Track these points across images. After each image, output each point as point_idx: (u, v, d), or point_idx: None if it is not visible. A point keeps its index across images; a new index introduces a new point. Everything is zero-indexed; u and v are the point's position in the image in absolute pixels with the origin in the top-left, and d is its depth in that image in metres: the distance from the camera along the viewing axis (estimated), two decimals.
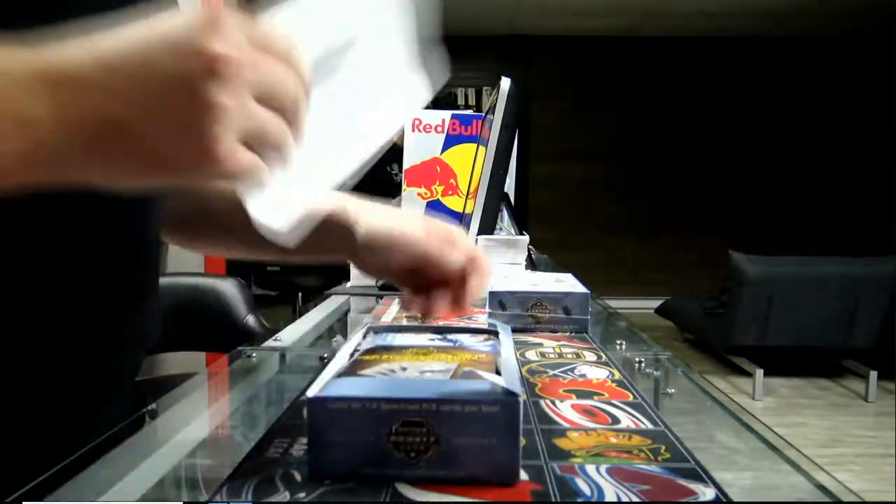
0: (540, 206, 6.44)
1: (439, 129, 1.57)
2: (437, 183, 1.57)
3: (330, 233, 0.62)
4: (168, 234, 0.71)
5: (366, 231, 0.59)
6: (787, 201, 6.50)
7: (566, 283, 0.82)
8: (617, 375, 0.56)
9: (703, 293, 5.06)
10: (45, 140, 0.32)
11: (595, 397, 0.50)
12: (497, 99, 1.07)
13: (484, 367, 0.41)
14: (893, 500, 2.04)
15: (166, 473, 0.45)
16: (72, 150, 0.33)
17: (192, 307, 1.53)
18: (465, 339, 0.51)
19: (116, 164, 0.34)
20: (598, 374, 0.57)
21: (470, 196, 1.22)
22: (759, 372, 3.79)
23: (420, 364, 0.42)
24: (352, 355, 0.46)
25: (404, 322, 0.65)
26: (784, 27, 6.09)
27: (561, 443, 0.41)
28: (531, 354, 0.64)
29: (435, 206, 1.58)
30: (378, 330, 0.53)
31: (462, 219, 1.37)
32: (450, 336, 0.52)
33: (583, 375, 0.56)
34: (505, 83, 1.06)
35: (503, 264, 1.02)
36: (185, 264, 2.02)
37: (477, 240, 1.04)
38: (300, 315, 0.97)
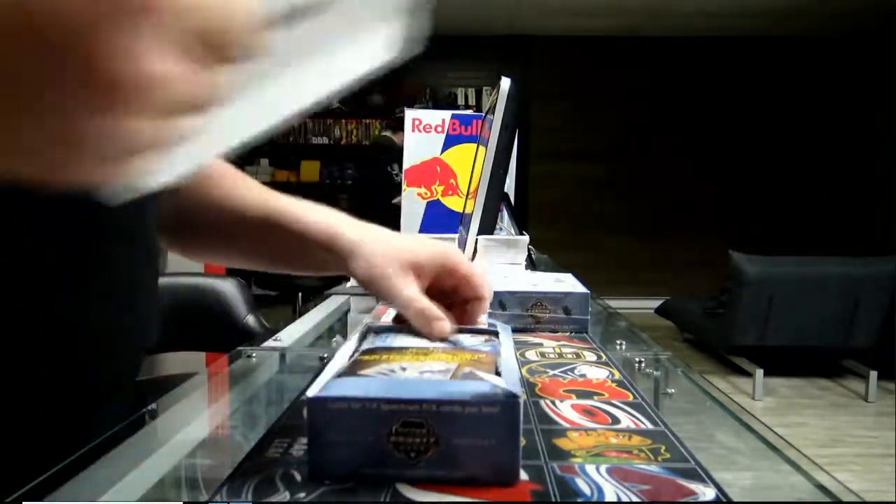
0: (540, 206, 6.44)
1: (439, 129, 1.57)
2: (437, 183, 1.57)
3: (325, 260, 0.62)
4: (166, 242, 0.71)
5: (358, 267, 0.57)
6: (787, 201, 6.50)
7: (566, 283, 0.82)
8: (617, 375, 0.56)
9: (703, 293, 5.06)
10: None
11: (595, 397, 0.50)
12: (497, 99, 1.07)
13: (484, 368, 0.41)
14: (893, 500, 2.04)
15: (166, 473, 0.45)
16: None
17: (192, 307, 1.53)
18: (465, 339, 0.51)
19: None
20: (598, 374, 0.57)
21: (470, 196, 1.22)
22: (759, 372, 3.79)
23: (420, 364, 0.42)
24: (352, 355, 0.46)
25: None
26: (784, 27, 6.09)
27: (561, 443, 0.41)
28: (531, 354, 0.64)
29: (435, 206, 1.58)
30: (378, 330, 0.53)
31: (462, 219, 1.37)
32: (450, 336, 0.51)
33: (583, 375, 0.56)
34: (505, 83, 1.06)
35: (503, 264, 1.02)
36: (185, 264, 2.01)
37: (477, 240, 1.04)
38: (300, 315, 0.97)
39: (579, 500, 0.34)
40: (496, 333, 0.52)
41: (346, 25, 0.38)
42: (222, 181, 0.69)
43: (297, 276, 4.06)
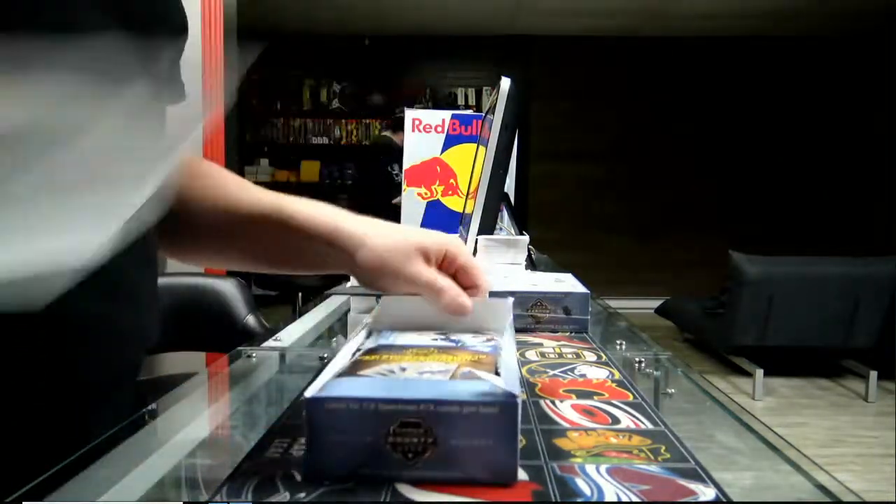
0: (540, 206, 6.44)
1: (439, 129, 1.57)
2: (437, 183, 1.57)
3: (326, 255, 0.62)
4: (166, 249, 0.71)
5: (364, 263, 0.58)
6: (786, 201, 6.50)
7: (566, 283, 0.81)
8: (617, 375, 0.56)
9: (703, 293, 5.06)
10: None
11: (595, 397, 0.50)
12: (497, 99, 1.07)
13: (484, 368, 0.41)
14: (893, 500, 2.04)
15: (166, 473, 0.45)
16: None
17: (192, 307, 1.53)
18: (467, 338, 0.51)
19: None
20: (598, 374, 0.57)
21: (470, 196, 1.22)
22: (759, 372, 3.79)
23: (420, 365, 0.42)
24: (353, 355, 0.46)
25: None
26: (784, 27, 6.09)
27: (561, 443, 0.41)
28: (531, 354, 0.64)
29: (435, 206, 1.58)
30: (381, 329, 0.53)
31: (462, 219, 1.37)
32: (452, 336, 0.52)
33: (583, 375, 0.56)
34: (505, 83, 1.06)
35: (503, 264, 1.02)
36: (185, 265, 2.01)
37: (477, 240, 1.03)
38: (300, 315, 0.97)
39: (579, 500, 0.34)
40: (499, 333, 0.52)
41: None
42: (217, 182, 0.69)
43: (296, 276, 4.06)
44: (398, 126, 4.26)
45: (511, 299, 0.59)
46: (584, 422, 0.45)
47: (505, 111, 1.05)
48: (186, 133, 0.52)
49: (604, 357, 0.63)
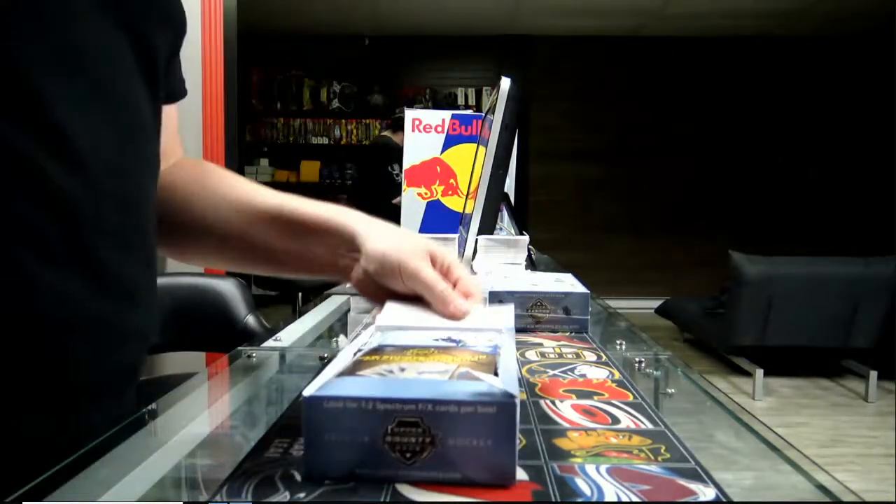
0: (540, 206, 6.44)
1: (439, 129, 1.57)
2: (437, 183, 1.57)
3: (328, 247, 0.62)
4: (166, 248, 0.71)
5: (371, 254, 0.58)
6: (786, 201, 6.50)
7: (566, 283, 0.81)
8: (617, 375, 0.56)
9: (703, 293, 5.06)
10: None
11: (595, 397, 0.50)
12: (497, 99, 1.07)
13: (483, 369, 0.41)
14: (893, 500, 2.04)
15: (166, 473, 0.45)
16: None
17: (192, 307, 1.53)
18: (467, 339, 0.51)
19: None
20: (598, 374, 0.57)
21: (470, 196, 1.22)
22: (759, 372, 3.79)
23: (419, 365, 0.42)
24: (354, 355, 0.46)
25: None
26: (784, 27, 6.09)
27: (561, 443, 0.41)
28: (531, 354, 0.64)
29: (435, 206, 1.58)
30: (384, 329, 0.53)
31: (462, 219, 1.37)
32: (454, 336, 0.52)
33: (583, 375, 0.56)
34: (505, 83, 1.06)
35: (503, 264, 1.02)
36: (184, 264, 2.01)
37: (477, 240, 1.03)
38: (300, 315, 0.97)
39: (579, 500, 0.34)
40: (499, 333, 0.52)
41: None
42: (219, 181, 0.69)
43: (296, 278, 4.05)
44: (398, 126, 4.26)
45: (512, 305, 0.59)
46: (584, 422, 0.45)
47: (505, 111, 1.05)
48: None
49: (604, 357, 0.63)
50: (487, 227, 1.07)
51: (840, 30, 6.17)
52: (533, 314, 0.75)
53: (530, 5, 5.64)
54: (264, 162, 6.67)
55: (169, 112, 0.70)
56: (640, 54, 6.48)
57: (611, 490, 0.34)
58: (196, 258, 0.75)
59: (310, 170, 6.64)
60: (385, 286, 0.58)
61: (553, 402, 0.49)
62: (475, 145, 1.28)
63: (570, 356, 0.63)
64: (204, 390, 0.68)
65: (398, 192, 1.64)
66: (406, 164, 1.58)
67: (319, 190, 6.39)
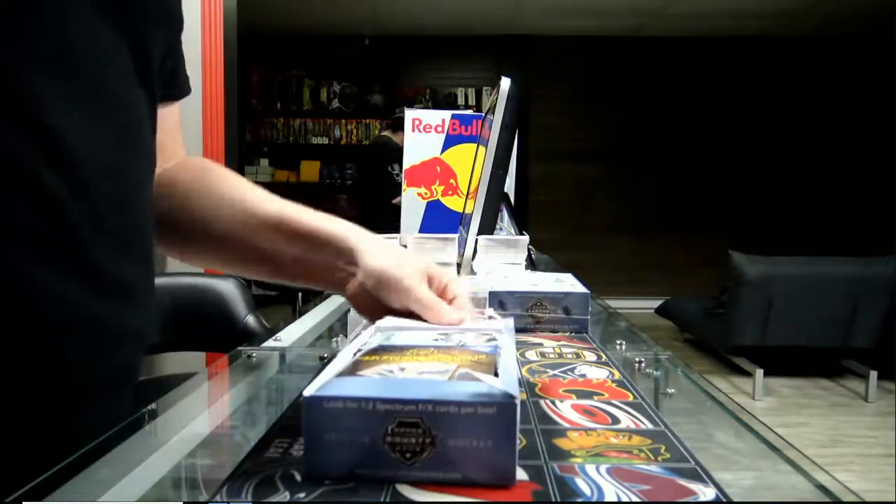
0: (540, 206, 6.44)
1: (439, 129, 1.57)
2: (437, 183, 1.57)
3: (326, 258, 0.62)
4: (164, 246, 0.71)
5: (370, 269, 0.58)
6: (786, 201, 6.50)
7: (566, 283, 0.81)
8: (617, 375, 0.56)
9: (703, 293, 5.06)
10: None
11: (595, 397, 0.50)
12: (497, 99, 1.07)
13: (483, 369, 0.41)
14: (893, 500, 2.04)
15: (166, 473, 0.45)
16: None
17: (192, 307, 1.53)
18: (469, 339, 0.51)
19: None
20: (598, 374, 0.57)
21: (470, 196, 1.22)
22: (759, 372, 3.79)
23: (419, 365, 0.42)
24: (354, 355, 0.46)
25: None
26: (784, 27, 6.09)
27: (561, 443, 0.41)
28: (531, 354, 0.64)
29: (435, 206, 1.58)
30: (384, 329, 0.53)
31: (462, 219, 1.37)
32: (454, 336, 0.52)
33: (583, 375, 0.56)
34: (505, 83, 1.06)
35: (503, 264, 1.02)
36: (185, 264, 2.01)
37: (477, 240, 1.03)
38: (300, 315, 0.97)
39: (579, 500, 0.34)
40: (499, 333, 0.52)
41: None
42: (222, 181, 0.69)
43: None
44: (398, 126, 4.26)
45: (511, 320, 0.60)
46: (584, 422, 0.45)
47: (505, 111, 1.05)
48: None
49: (604, 357, 0.63)
50: (487, 227, 1.07)
51: (840, 30, 6.17)
52: (533, 314, 0.75)
53: (530, 5, 5.64)
54: (264, 162, 6.67)
55: (170, 110, 0.70)
56: (641, 54, 6.48)
57: (611, 490, 0.34)
58: (194, 258, 0.75)
59: (310, 170, 6.64)
60: (380, 302, 0.59)
61: (553, 402, 0.49)
62: (475, 145, 1.28)
63: (570, 356, 0.63)
64: (204, 390, 0.68)
65: (398, 192, 1.64)
66: (406, 164, 1.58)
67: (319, 190, 6.39)
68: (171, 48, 0.66)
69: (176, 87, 0.69)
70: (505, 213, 1.31)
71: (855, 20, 5.87)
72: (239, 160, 6.11)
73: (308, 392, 0.35)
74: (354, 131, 6.69)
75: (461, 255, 1.07)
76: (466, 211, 1.22)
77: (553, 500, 0.34)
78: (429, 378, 0.39)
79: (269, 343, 0.79)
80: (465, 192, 1.45)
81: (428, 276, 0.59)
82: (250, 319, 1.53)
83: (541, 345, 0.68)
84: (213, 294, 1.54)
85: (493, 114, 1.06)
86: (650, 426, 0.44)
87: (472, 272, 1.00)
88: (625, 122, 6.54)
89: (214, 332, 1.53)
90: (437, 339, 0.50)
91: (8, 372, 0.51)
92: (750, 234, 6.28)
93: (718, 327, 4.15)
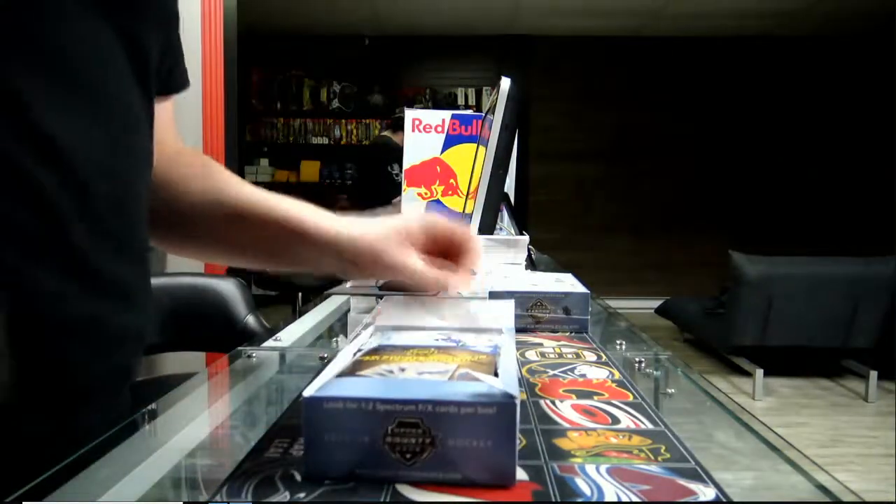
0: (540, 206, 6.44)
1: (439, 129, 1.57)
2: (437, 183, 1.57)
3: (312, 254, 0.63)
4: (158, 240, 0.71)
5: (349, 253, 0.60)
6: (786, 201, 6.50)
7: (566, 283, 0.81)
8: (617, 375, 0.56)
9: (704, 293, 5.06)
10: None
11: (595, 397, 0.50)
12: (497, 99, 1.07)
13: (483, 369, 0.41)
14: (893, 500, 2.04)
15: (166, 473, 0.45)
16: None
17: (192, 307, 1.53)
18: (468, 339, 0.51)
19: None
20: (598, 374, 0.57)
21: (470, 196, 1.22)
22: (759, 372, 3.79)
23: (419, 365, 0.42)
24: (354, 355, 0.46)
25: None
26: (784, 27, 6.09)
27: (561, 443, 0.41)
28: (531, 354, 0.64)
29: (435, 207, 1.58)
30: (384, 329, 0.53)
31: (462, 219, 1.37)
32: (454, 336, 0.52)
33: (583, 375, 0.56)
34: (505, 83, 1.06)
35: (503, 264, 1.02)
36: (185, 264, 2.02)
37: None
38: (300, 315, 0.97)
39: (579, 500, 0.34)
40: (500, 333, 0.52)
41: None
42: (219, 174, 0.70)
43: (296, 275, 4.07)
44: (398, 126, 4.26)
45: (512, 301, 0.60)
46: (584, 422, 0.45)
47: (505, 111, 1.05)
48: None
49: (604, 357, 0.63)
50: (487, 227, 1.07)
51: (840, 30, 6.17)
52: (533, 314, 0.75)
53: (530, 5, 5.64)
54: (264, 162, 6.67)
55: (165, 105, 0.70)
56: (640, 54, 6.48)
57: (611, 490, 0.34)
58: (189, 250, 0.75)
59: (310, 170, 6.64)
60: (367, 274, 0.61)
61: (553, 402, 0.49)
62: (475, 145, 1.28)
63: (570, 356, 0.63)
64: (204, 390, 0.68)
65: (398, 192, 1.64)
66: (406, 164, 1.58)
67: (319, 190, 6.39)
68: (169, 46, 0.66)
69: (173, 82, 0.69)
70: (505, 213, 1.31)
71: (855, 20, 5.87)
72: (239, 160, 6.11)
73: (308, 392, 0.35)
74: (354, 131, 6.69)
75: None
76: (466, 211, 1.22)
77: (553, 500, 0.34)
78: (429, 378, 0.39)
79: (269, 343, 0.79)
80: (465, 192, 1.45)
81: (405, 235, 0.60)
82: (250, 319, 1.53)
83: (541, 345, 0.68)
84: (212, 294, 1.54)
85: (493, 114, 1.06)
86: (650, 426, 0.44)
87: (472, 272, 1.00)
88: (625, 122, 6.54)
89: (214, 332, 1.53)
90: (436, 339, 0.50)
91: (8, 372, 0.50)
92: (750, 234, 6.28)
93: (718, 327, 4.15)
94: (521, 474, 0.36)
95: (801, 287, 3.81)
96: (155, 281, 0.65)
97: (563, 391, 0.52)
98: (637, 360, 0.70)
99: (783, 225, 6.45)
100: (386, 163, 4.38)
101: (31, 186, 0.50)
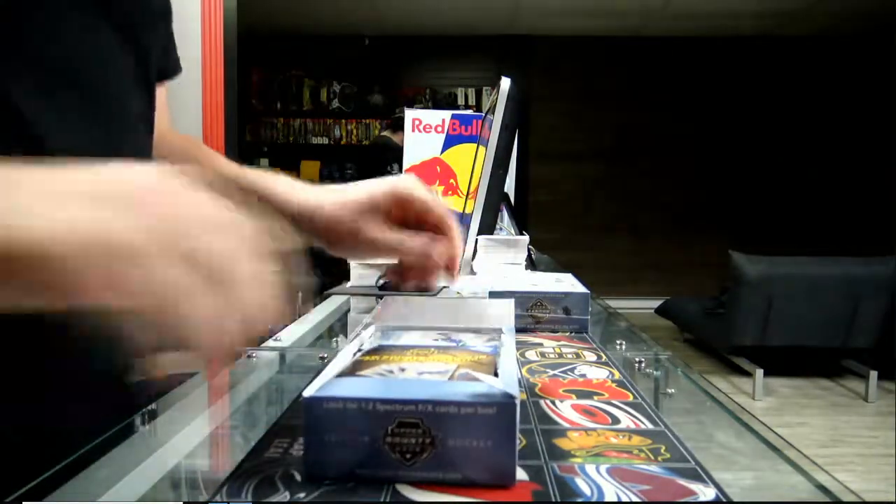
0: (540, 206, 6.44)
1: (439, 129, 1.57)
2: (437, 183, 1.57)
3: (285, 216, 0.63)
4: None
5: (320, 225, 0.60)
6: (786, 201, 6.50)
7: (566, 283, 0.81)
8: (617, 375, 0.56)
9: (704, 293, 5.06)
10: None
11: (595, 397, 0.50)
12: (497, 99, 1.07)
13: (483, 369, 0.41)
14: (893, 500, 2.04)
15: (166, 474, 0.45)
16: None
17: None
18: (468, 339, 0.51)
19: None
20: (598, 374, 0.57)
21: (470, 196, 1.22)
22: (759, 372, 3.79)
23: (419, 365, 0.42)
24: (354, 355, 0.46)
25: None
26: (784, 27, 6.09)
27: (561, 443, 0.41)
28: (531, 354, 0.64)
29: None
30: (384, 329, 0.53)
31: (462, 219, 1.37)
32: (454, 336, 0.52)
33: (583, 375, 0.56)
34: (505, 83, 1.06)
35: (503, 264, 1.02)
36: None
37: (477, 240, 1.03)
38: (300, 315, 0.97)
39: (579, 500, 0.34)
40: (500, 333, 0.52)
41: None
42: (190, 151, 0.71)
43: (296, 275, 4.06)
44: (398, 126, 4.26)
45: (512, 301, 0.59)
46: (584, 422, 0.45)
47: (505, 111, 1.05)
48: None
49: (604, 357, 0.63)
50: (487, 227, 1.07)
51: (840, 30, 6.17)
52: (533, 314, 0.75)
53: (530, 5, 5.64)
54: (264, 162, 6.66)
55: (160, 90, 0.71)
56: (640, 54, 6.48)
57: (611, 490, 0.34)
58: None
59: (310, 170, 6.64)
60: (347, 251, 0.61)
61: (553, 402, 0.49)
62: (475, 145, 1.28)
63: (570, 356, 0.63)
64: (204, 390, 0.68)
65: None
66: (406, 164, 1.58)
67: None
68: (168, 38, 0.66)
69: (166, 68, 0.69)
70: (505, 213, 1.31)
71: (855, 20, 5.87)
72: (239, 160, 6.12)
73: (308, 392, 0.35)
74: (354, 131, 6.69)
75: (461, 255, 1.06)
76: (466, 211, 1.22)
77: (553, 500, 0.34)
78: (429, 378, 0.39)
79: (269, 343, 0.79)
80: (465, 192, 1.45)
81: (372, 205, 0.59)
82: None
83: (541, 345, 0.68)
84: None
85: (493, 114, 1.06)
86: (650, 426, 0.44)
87: (472, 272, 1.01)
88: (625, 122, 6.54)
89: None
90: (436, 339, 0.50)
91: (7, 372, 0.51)
92: (750, 234, 6.28)
93: (718, 327, 4.15)
94: (521, 474, 0.36)
95: (801, 287, 3.81)
96: None
97: (563, 391, 0.52)
98: (637, 360, 0.70)
99: (783, 225, 6.45)
100: (386, 163, 4.38)
101: None
